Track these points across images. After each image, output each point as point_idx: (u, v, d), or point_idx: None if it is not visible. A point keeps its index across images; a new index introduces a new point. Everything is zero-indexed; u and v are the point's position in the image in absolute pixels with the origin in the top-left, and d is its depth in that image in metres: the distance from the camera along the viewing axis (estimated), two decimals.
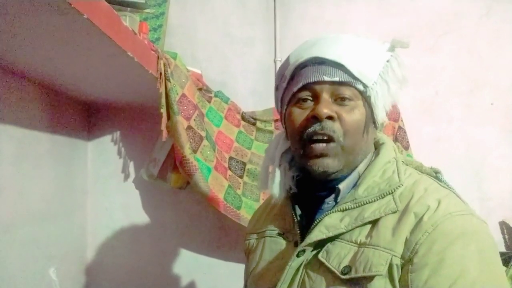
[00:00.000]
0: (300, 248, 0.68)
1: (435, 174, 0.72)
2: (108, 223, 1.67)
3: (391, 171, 0.70)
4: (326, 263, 0.65)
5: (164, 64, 1.24)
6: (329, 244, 0.67)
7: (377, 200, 0.66)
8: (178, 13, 1.68)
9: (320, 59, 0.68)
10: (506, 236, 1.58)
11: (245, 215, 1.37)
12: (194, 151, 1.29)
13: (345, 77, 0.67)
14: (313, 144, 0.68)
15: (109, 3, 0.88)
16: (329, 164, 0.68)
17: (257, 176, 1.47)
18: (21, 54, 1.01)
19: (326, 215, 0.68)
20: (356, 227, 0.66)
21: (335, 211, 0.68)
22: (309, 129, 0.68)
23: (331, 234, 0.66)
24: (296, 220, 0.74)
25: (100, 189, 1.67)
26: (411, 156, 1.46)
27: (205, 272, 1.64)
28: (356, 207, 0.67)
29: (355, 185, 0.70)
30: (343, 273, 0.62)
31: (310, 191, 0.75)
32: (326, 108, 0.67)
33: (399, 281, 0.59)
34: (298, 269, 0.68)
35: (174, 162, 1.39)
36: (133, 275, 1.65)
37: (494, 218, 1.59)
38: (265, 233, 0.82)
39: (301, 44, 0.75)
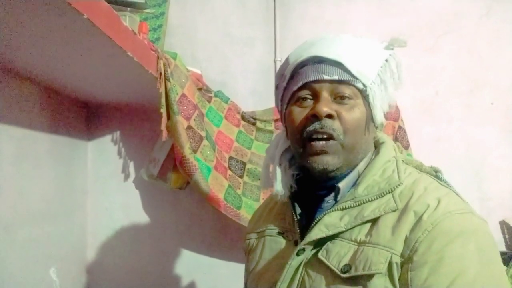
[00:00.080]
0: (300, 247, 0.68)
1: (435, 173, 0.72)
2: (108, 223, 1.67)
3: (391, 170, 0.70)
4: (326, 262, 0.65)
5: (164, 64, 1.24)
6: (329, 243, 0.67)
7: (377, 199, 0.67)
8: (178, 13, 1.68)
9: (320, 58, 0.68)
10: (507, 236, 1.58)
11: (245, 215, 1.37)
12: (194, 151, 1.29)
13: (344, 76, 0.68)
14: (313, 141, 0.68)
15: (109, 3, 0.88)
16: (328, 161, 0.68)
17: (257, 176, 1.48)
18: (21, 54, 1.01)
19: (326, 213, 0.69)
20: (356, 225, 0.66)
21: (335, 210, 0.68)
22: (308, 127, 0.68)
23: (330, 233, 0.66)
24: (296, 219, 0.74)
25: (100, 189, 1.67)
26: (411, 155, 1.46)
27: (205, 272, 1.64)
28: (356, 205, 0.67)
29: (355, 184, 0.70)
30: (342, 272, 0.62)
31: (310, 190, 0.75)
32: (325, 106, 0.67)
33: (398, 279, 0.59)
34: (298, 268, 0.68)
35: (174, 162, 1.39)
36: (133, 275, 1.65)
37: (494, 218, 1.59)
38: (265, 232, 0.82)
39: (301, 44, 0.75)
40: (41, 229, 1.32)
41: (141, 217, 1.67)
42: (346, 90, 0.68)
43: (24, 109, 1.24)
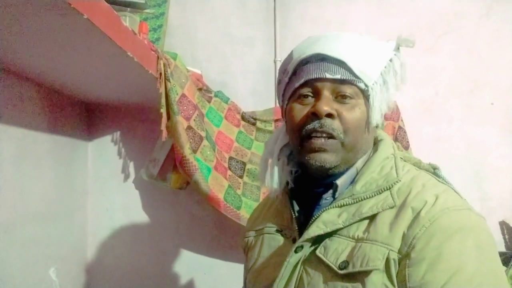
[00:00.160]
0: (298, 244, 0.68)
1: (433, 170, 0.72)
2: (108, 223, 1.67)
3: (389, 167, 0.70)
4: (324, 259, 0.65)
5: (164, 64, 1.24)
6: (327, 240, 0.67)
7: (375, 195, 0.67)
8: (178, 13, 1.68)
9: (323, 56, 0.68)
10: (506, 236, 1.58)
11: (245, 215, 1.37)
12: (194, 151, 1.29)
13: (346, 75, 0.67)
14: (312, 139, 0.68)
15: (109, 3, 0.88)
16: (326, 159, 0.68)
17: (257, 176, 1.48)
18: (21, 54, 1.01)
19: (324, 211, 0.69)
20: (354, 222, 0.66)
21: (333, 207, 0.68)
22: (308, 126, 0.68)
23: (328, 230, 0.66)
24: (294, 217, 0.74)
25: (100, 189, 1.67)
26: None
27: (205, 272, 1.64)
28: (354, 203, 0.67)
29: (353, 181, 0.70)
30: (340, 268, 0.63)
31: (308, 187, 0.75)
32: (326, 105, 0.67)
33: (396, 275, 0.59)
34: (296, 265, 0.68)
35: (174, 162, 1.39)
36: (133, 275, 1.65)
37: (495, 218, 1.59)
38: (263, 230, 0.82)
39: (305, 39, 0.75)
40: (41, 229, 1.32)
41: (141, 217, 1.67)
42: (348, 90, 0.68)
43: (24, 109, 1.24)
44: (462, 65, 1.66)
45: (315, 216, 0.69)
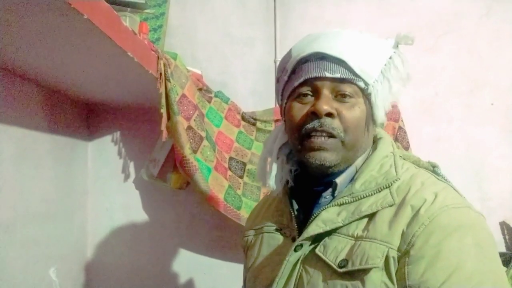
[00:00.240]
0: (297, 242, 0.68)
1: (433, 168, 0.72)
2: (108, 223, 1.67)
3: (388, 165, 0.70)
4: (323, 257, 0.65)
5: (164, 64, 1.24)
6: (326, 239, 0.67)
7: (374, 194, 0.67)
8: (178, 13, 1.68)
9: (322, 55, 0.68)
10: (507, 237, 1.58)
11: (245, 215, 1.37)
12: (194, 151, 1.29)
13: (346, 74, 0.67)
14: (312, 138, 0.68)
15: (109, 3, 0.88)
16: (326, 157, 0.68)
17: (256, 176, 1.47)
18: (21, 54, 1.01)
19: (323, 209, 0.69)
20: (353, 221, 0.66)
21: (332, 206, 0.68)
22: (308, 125, 0.68)
23: (328, 228, 0.66)
24: (293, 215, 0.74)
25: (100, 190, 1.67)
26: None
27: (205, 272, 1.64)
28: (353, 201, 0.67)
29: (353, 179, 0.70)
30: (340, 267, 0.62)
31: (308, 186, 0.75)
32: (326, 104, 0.67)
33: (395, 273, 0.59)
34: (295, 264, 0.68)
35: (174, 162, 1.39)
36: (133, 275, 1.65)
37: (495, 218, 1.59)
38: (263, 229, 0.82)
39: (304, 37, 0.74)
40: (41, 229, 1.32)
41: (141, 217, 1.67)
42: (347, 89, 0.68)
43: (24, 109, 1.24)
44: (462, 65, 1.66)
45: (315, 215, 0.69)
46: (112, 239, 1.66)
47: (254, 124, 1.57)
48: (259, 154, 1.50)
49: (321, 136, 0.67)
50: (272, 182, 0.76)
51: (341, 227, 0.67)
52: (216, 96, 1.53)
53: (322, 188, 0.73)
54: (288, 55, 0.75)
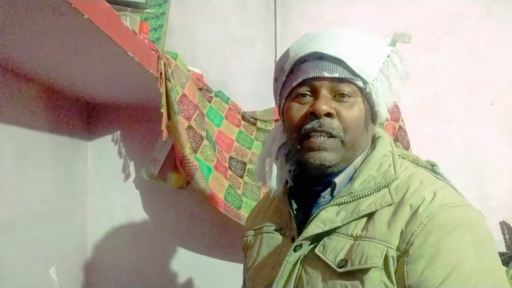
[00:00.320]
0: (297, 242, 0.68)
1: (431, 167, 0.72)
2: (108, 223, 1.67)
3: (387, 164, 0.70)
4: (323, 257, 0.65)
5: (165, 64, 1.24)
6: (325, 238, 0.67)
7: (373, 193, 0.66)
8: (178, 13, 1.68)
9: (320, 54, 0.68)
10: (507, 236, 1.58)
11: (246, 215, 1.37)
12: (195, 151, 1.29)
13: (345, 73, 0.67)
14: (312, 137, 0.68)
15: (109, 3, 0.88)
16: (326, 157, 0.68)
17: None
18: (21, 54, 1.01)
19: (322, 209, 0.68)
20: (352, 220, 0.66)
21: (331, 205, 0.68)
22: (307, 125, 0.68)
23: (327, 228, 0.66)
24: (292, 215, 0.74)
25: (101, 189, 1.67)
26: None
27: (205, 272, 1.64)
28: (352, 200, 0.67)
29: (351, 179, 0.70)
30: (339, 267, 0.62)
31: (307, 185, 0.75)
32: (325, 104, 0.66)
33: (395, 273, 0.59)
34: (295, 264, 0.68)
35: (175, 162, 1.39)
36: (133, 275, 1.65)
37: (495, 218, 1.59)
38: (262, 229, 0.82)
39: (301, 37, 0.74)
40: (41, 229, 1.32)
41: (141, 217, 1.67)
42: (346, 88, 0.68)
43: (24, 109, 1.24)
44: (462, 65, 1.67)
45: (314, 215, 0.69)
46: (112, 239, 1.66)
47: (254, 124, 1.57)
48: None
49: (321, 136, 0.67)
50: (273, 183, 0.76)
51: (340, 226, 0.66)
52: (216, 95, 1.53)
53: (321, 188, 0.73)
54: (286, 55, 0.75)
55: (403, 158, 0.74)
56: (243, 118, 1.57)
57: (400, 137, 1.49)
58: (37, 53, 1.00)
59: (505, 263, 1.35)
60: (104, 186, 1.67)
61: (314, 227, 0.67)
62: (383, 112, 0.71)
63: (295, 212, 0.75)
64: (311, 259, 0.67)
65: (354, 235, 0.65)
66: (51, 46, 0.94)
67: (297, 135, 0.70)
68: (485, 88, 1.66)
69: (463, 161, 1.62)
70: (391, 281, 0.59)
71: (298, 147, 0.70)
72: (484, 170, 1.62)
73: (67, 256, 1.49)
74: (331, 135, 0.67)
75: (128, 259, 1.65)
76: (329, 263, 0.64)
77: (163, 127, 1.26)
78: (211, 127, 1.44)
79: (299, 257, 0.68)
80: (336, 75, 0.67)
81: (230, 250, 1.63)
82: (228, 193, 1.37)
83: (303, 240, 0.68)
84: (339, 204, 0.68)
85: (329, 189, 0.71)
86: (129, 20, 1.15)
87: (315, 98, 0.68)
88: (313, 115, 0.67)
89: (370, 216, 0.65)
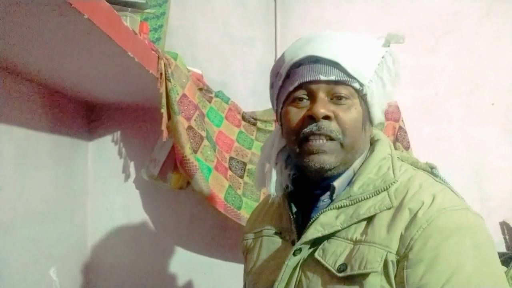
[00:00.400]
0: (296, 246, 0.68)
1: (431, 170, 0.72)
2: (108, 224, 1.67)
3: (386, 167, 0.70)
4: (322, 261, 0.65)
5: (165, 64, 1.24)
6: (325, 242, 0.67)
7: (372, 196, 0.66)
8: (178, 13, 1.68)
9: (316, 58, 0.68)
10: (507, 237, 1.58)
11: (246, 215, 1.37)
12: (195, 151, 1.29)
13: (341, 76, 0.67)
14: (311, 141, 0.68)
15: (109, 3, 0.88)
16: (325, 160, 0.67)
17: None
18: (22, 54, 1.01)
19: (322, 213, 0.68)
20: (352, 224, 0.66)
21: (331, 209, 0.68)
22: (305, 129, 0.68)
23: (326, 232, 0.66)
24: (292, 219, 0.74)
25: (101, 190, 1.67)
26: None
27: (205, 272, 1.64)
28: (351, 204, 0.67)
29: (350, 182, 0.70)
30: (339, 271, 0.62)
31: (306, 189, 0.75)
32: (322, 108, 0.66)
33: (394, 277, 0.59)
34: (295, 268, 0.68)
35: (175, 162, 1.39)
36: (133, 275, 1.65)
37: (495, 218, 1.59)
38: (262, 232, 0.82)
39: (296, 41, 0.74)
40: (41, 229, 1.32)
41: (141, 217, 1.67)
42: (343, 90, 0.68)
43: (24, 109, 1.24)
44: (462, 65, 1.66)
45: (313, 219, 0.69)
46: (112, 239, 1.66)
47: (254, 124, 1.57)
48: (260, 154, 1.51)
49: (320, 139, 0.67)
50: (272, 189, 0.75)
51: (339, 230, 0.66)
52: (216, 96, 1.53)
53: (320, 191, 0.72)
54: (281, 59, 0.74)
55: (402, 161, 0.74)
56: (243, 118, 1.57)
57: (400, 137, 1.49)
58: (37, 53, 1.00)
59: (505, 263, 1.35)
60: (104, 186, 1.67)
61: (313, 231, 0.67)
62: (377, 115, 0.71)
63: (294, 215, 0.75)
64: (311, 263, 0.67)
65: (354, 239, 0.65)
66: (51, 46, 0.94)
67: (296, 139, 0.70)
68: (485, 88, 1.66)
69: (463, 161, 1.62)
70: (391, 285, 0.59)
71: (298, 150, 0.70)
72: (484, 170, 1.62)
73: (67, 256, 1.49)
74: (330, 138, 0.67)
75: (128, 259, 1.65)
76: (329, 267, 0.64)
77: (163, 127, 1.26)
78: (211, 127, 1.44)
79: (299, 261, 0.68)
80: (333, 77, 0.67)
81: (230, 251, 1.63)
82: (228, 193, 1.37)
83: (302, 244, 0.68)
84: (338, 208, 0.68)
85: (328, 193, 0.71)
86: (129, 20, 1.15)
87: (313, 102, 0.68)
88: (311, 118, 0.67)
89: (369, 219, 0.65)
